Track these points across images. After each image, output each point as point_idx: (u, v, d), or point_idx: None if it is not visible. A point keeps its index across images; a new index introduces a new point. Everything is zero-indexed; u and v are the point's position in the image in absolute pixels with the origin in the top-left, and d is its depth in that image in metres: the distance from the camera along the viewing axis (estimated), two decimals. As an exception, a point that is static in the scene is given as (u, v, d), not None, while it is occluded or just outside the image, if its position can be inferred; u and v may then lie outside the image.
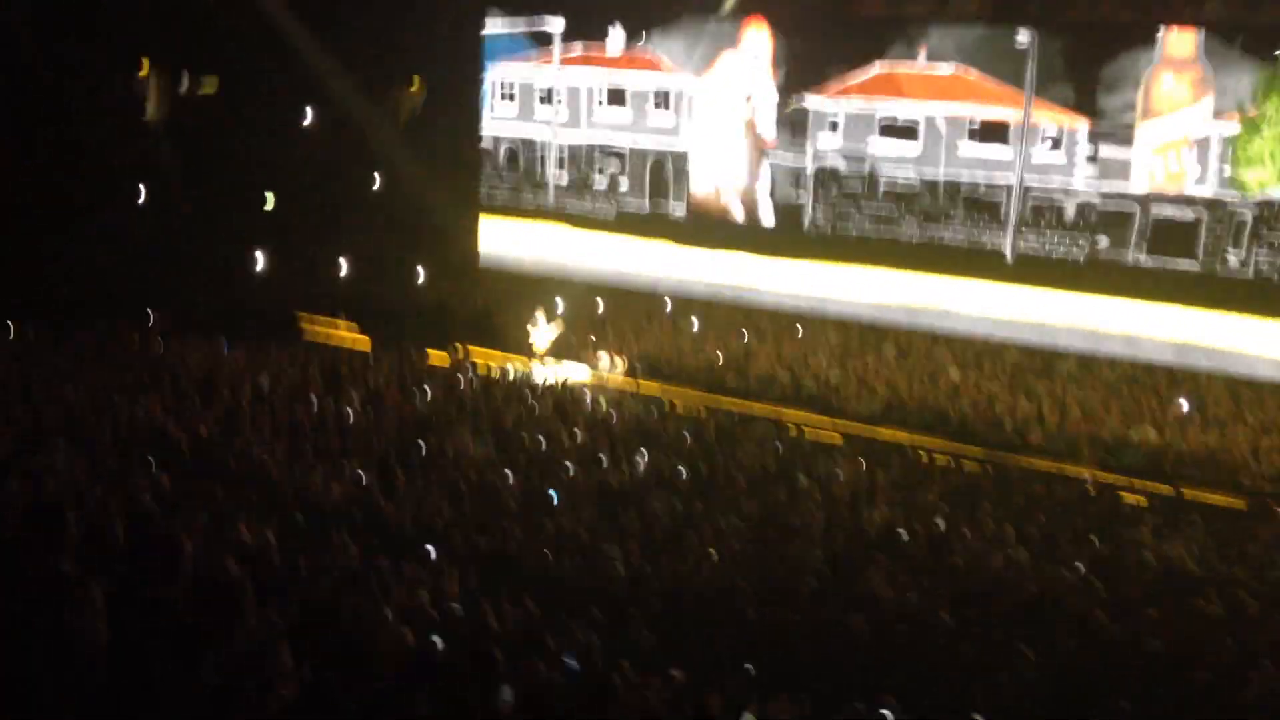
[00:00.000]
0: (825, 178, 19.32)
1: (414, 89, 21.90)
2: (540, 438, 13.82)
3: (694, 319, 21.92)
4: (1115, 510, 14.31)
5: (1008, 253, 18.13)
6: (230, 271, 19.63)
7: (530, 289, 22.36)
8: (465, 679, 6.39)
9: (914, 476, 14.92)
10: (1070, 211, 17.57)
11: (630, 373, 20.59)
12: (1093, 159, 17.27)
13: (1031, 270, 17.90)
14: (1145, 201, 16.90)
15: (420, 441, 12.70)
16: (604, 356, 21.01)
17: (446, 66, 21.96)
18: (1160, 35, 16.57)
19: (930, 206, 18.58)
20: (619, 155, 23.79)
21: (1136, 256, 17.21)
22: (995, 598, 9.60)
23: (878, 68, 18.63)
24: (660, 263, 21.11)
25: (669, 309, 22.64)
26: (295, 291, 20.73)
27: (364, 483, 10.92)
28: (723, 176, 20.16)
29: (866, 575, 9.85)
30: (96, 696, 5.80)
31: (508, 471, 11.98)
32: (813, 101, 19.19)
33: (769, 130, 19.54)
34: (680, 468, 13.22)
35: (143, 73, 18.35)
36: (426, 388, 15.79)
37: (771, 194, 19.84)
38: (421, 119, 21.89)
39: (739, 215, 20.25)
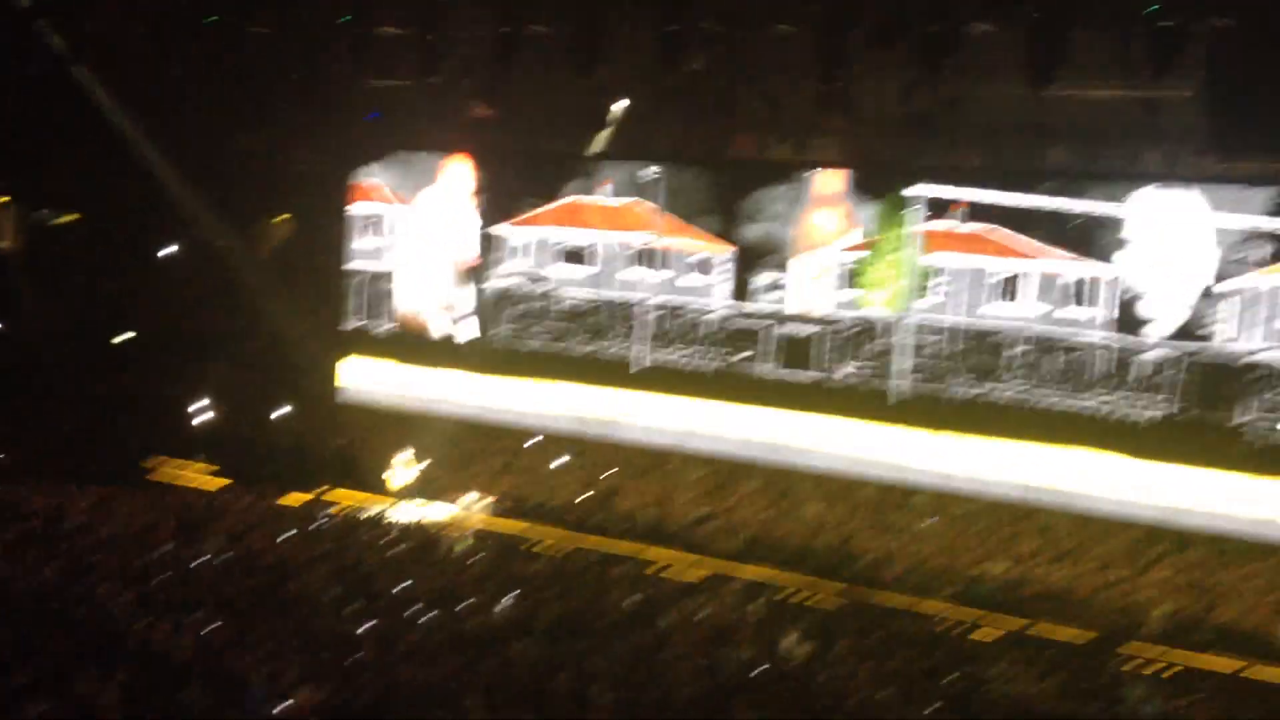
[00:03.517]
0: (513, 298, 20.78)
1: (280, 222, 21.84)
2: (400, 581, 13.60)
3: (561, 454, 21.92)
4: (967, 645, 14.56)
5: (642, 362, 19.92)
6: (80, 408, 19.10)
7: (393, 425, 22.17)
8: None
9: (775, 614, 15.00)
10: (708, 327, 19.30)
11: (493, 511, 20.43)
12: (741, 282, 19.11)
13: (659, 379, 19.82)
14: (778, 320, 18.75)
15: (276, 587, 12.42)
16: (467, 495, 20.84)
17: (313, 201, 21.98)
18: (810, 174, 18.49)
19: (597, 324, 20.22)
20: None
21: (767, 368, 18.95)
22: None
23: (565, 199, 20.40)
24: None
25: (531, 444, 22.60)
26: (148, 430, 20.23)
27: (215, 632, 10.62)
28: (426, 297, 21.54)
29: (730, 715, 9.85)
30: None
31: (365, 618, 11.76)
32: (505, 229, 20.93)
33: (467, 254, 21.03)
34: (542, 610, 13.12)
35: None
36: (283, 530, 15.48)
37: (470, 313, 21.20)
38: (286, 252, 21.80)
39: (441, 333, 21.51)
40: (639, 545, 18.89)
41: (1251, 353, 15.91)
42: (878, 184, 18.02)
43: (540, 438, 22.18)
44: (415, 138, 21.44)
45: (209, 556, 13.45)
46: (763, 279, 19.01)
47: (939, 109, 16.87)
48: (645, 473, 21.43)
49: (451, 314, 21.63)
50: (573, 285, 20.50)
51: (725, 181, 19.34)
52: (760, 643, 13.16)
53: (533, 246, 20.85)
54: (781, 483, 19.99)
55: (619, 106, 19.54)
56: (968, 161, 18.06)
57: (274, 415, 21.78)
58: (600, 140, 19.83)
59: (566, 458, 21.75)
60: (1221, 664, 15.42)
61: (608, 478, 21.32)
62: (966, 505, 18.91)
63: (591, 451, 21.68)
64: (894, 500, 19.52)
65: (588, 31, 16.97)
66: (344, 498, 20.28)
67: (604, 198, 20.21)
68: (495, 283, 21.12)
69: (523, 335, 21.01)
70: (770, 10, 15.96)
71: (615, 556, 17.75)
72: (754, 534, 19.34)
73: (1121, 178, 16.67)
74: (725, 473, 21.04)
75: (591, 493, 20.97)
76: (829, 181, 18.51)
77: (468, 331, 21.47)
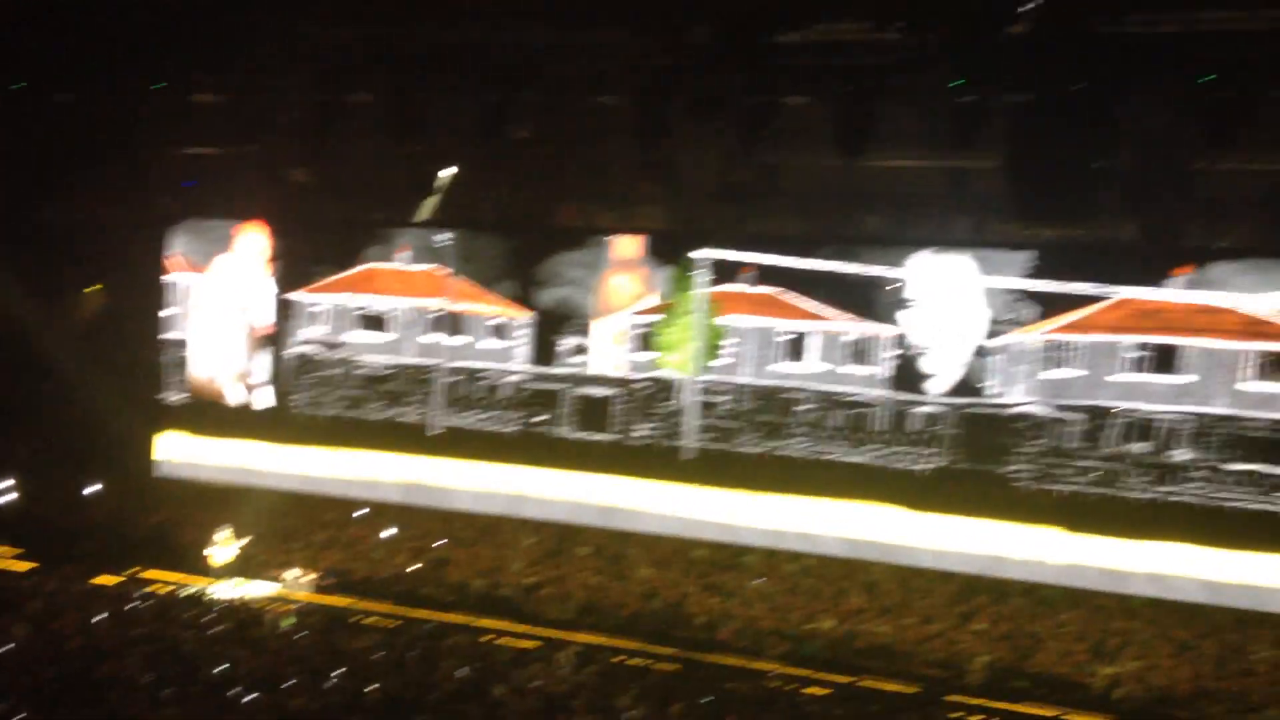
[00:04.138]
0: (312, 364, 20.81)
1: (92, 292, 21.19)
2: (220, 663, 13.18)
3: (386, 525, 21.62)
4: (796, 704, 14.78)
5: (440, 427, 20.07)
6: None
7: (212, 500, 21.55)
8: None
9: (609, 680, 14.98)
10: (507, 391, 19.65)
11: (318, 586, 19.99)
12: (541, 346, 19.47)
13: (458, 443, 19.98)
14: (575, 382, 19.15)
15: (86, 672, 11.90)
16: (290, 570, 20.35)
17: (127, 269, 21.38)
18: (609, 239, 18.98)
19: (395, 389, 20.33)
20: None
21: (564, 431, 19.30)
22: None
23: (362, 265, 20.60)
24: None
25: (357, 515, 22.24)
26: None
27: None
28: (221, 364, 21.47)
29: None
30: None
31: (183, 702, 11.35)
32: (303, 295, 20.90)
33: (263, 321, 20.95)
34: (371, 686, 12.86)
35: None
36: (95, 612, 14.85)
37: (266, 380, 21.12)
38: (99, 323, 21.14)
39: (237, 400, 21.38)
40: (470, 615, 18.74)
41: (1016, 406, 16.79)
42: (674, 248, 18.48)
43: (366, 510, 21.89)
44: (231, 205, 21.08)
45: (12, 644, 12.79)
46: (565, 342, 19.27)
47: (756, 177, 17.45)
48: (472, 541, 21.35)
49: (248, 382, 21.37)
50: (371, 351, 20.48)
51: (525, 246, 19.58)
52: (595, 709, 13.13)
53: (331, 312, 20.77)
54: (607, 546, 20.19)
55: (443, 174, 19.67)
56: (781, 228, 18.70)
57: (86, 492, 20.95)
58: (422, 208, 19.90)
59: (392, 529, 21.49)
60: (1039, 711, 15.97)
61: (434, 547, 21.13)
62: (785, 563, 19.39)
63: (417, 521, 21.47)
64: (705, 559, 19.91)
65: (407, 100, 17.01)
66: (160, 577, 19.58)
67: (401, 264, 20.29)
68: (293, 349, 20.92)
69: (322, 402, 20.82)
70: (592, 80, 16.25)
71: (447, 626, 17.57)
72: (583, 600, 19.39)
73: (927, 243, 17.40)
74: (553, 538, 21.08)
75: (419, 564, 20.73)
76: (627, 246, 18.96)
77: (264, 399, 21.23)
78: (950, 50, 13.88)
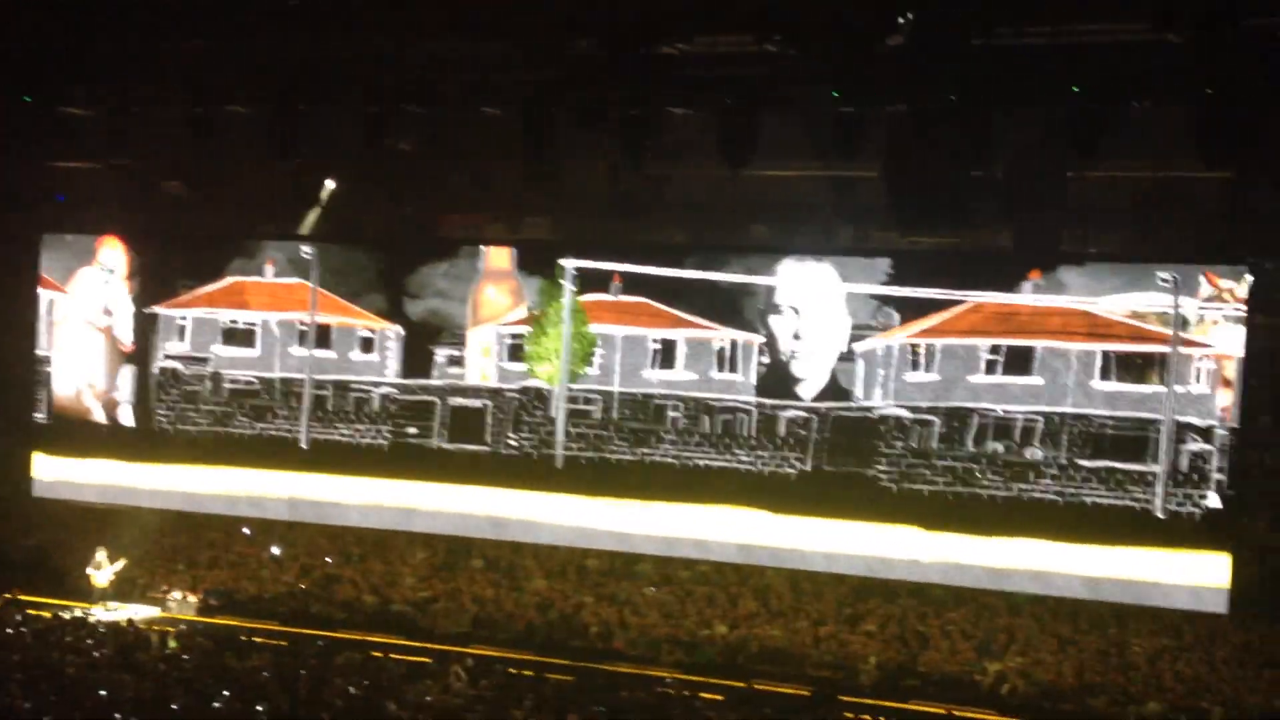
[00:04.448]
0: (177, 380, 20.62)
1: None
2: (102, 689, 12.86)
3: (274, 543, 21.35)
4: (692, 709, 14.86)
5: (303, 442, 20.00)
6: None
7: (90, 521, 21.05)
8: None
9: (504, 693, 14.93)
10: (378, 403, 19.67)
11: (204, 607, 19.63)
12: (415, 357, 19.52)
13: (329, 457, 19.91)
14: (446, 394, 19.27)
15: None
16: (174, 591, 19.96)
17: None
18: (481, 251, 19.19)
19: (263, 403, 20.21)
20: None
21: (436, 443, 19.37)
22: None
23: (228, 279, 20.51)
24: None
25: (248, 535, 21.91)
26: None
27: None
28: (84, 382, 21.20)
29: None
30: None
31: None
32: (168, 309, 20.72)
33: (126, 337, 20.83)
34: (260, 707, 12.66)
35: None
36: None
37: (132, 397, 20.95)
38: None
39: (101, 418, 21.12)
40: (361, 632, 18.54)
41: (880, 409, 17.20)
42: (546, 259, 18.60)
43: (248, 529, 21.58)
44: (99, 219, 20.75)
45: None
46: (438, 354, 19.26)
47: (643, 188, 17.55)
48: (360, 557, 21.17)
49: (113, 399, 20.92)
50: (238, 366, 20.26)
51: (397, 258, 19.52)
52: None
53: (197, 327, 20.50)
54: (501, 557, 20.15)
55: (326, 187, 19.45)
56: (668, 238, 18.86)
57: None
58: (304, 221, 19.67)
59: (278, 547, 21.22)
60: (929, 709, 16.29)
61: (323, 564, 20.90)
62: (680, 570, 19.58)
63: (304, 537, 21.22)
64: (598, 569, 20.27)
65: (283, 113, 16.76)
66: (39, 601, 19.08)
67: (269, 278, 20.14)
68: (160, 365, 20.60)
69: (191, 419, 20.51)
70: (474, 91, 16.18)
71: (338, 643, 17.36)
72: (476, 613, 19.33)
73: (807, 251, 17.73)
74: (445, 551, 20.98)
75: (306, 581, 20.49)
76: (499, 257, 19.07)
77: (130, 417, 20.82)
78: (829, 62, 14.09)
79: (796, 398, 17.58)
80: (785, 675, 17.26)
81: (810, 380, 17.53)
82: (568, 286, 18.34)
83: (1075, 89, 13.72)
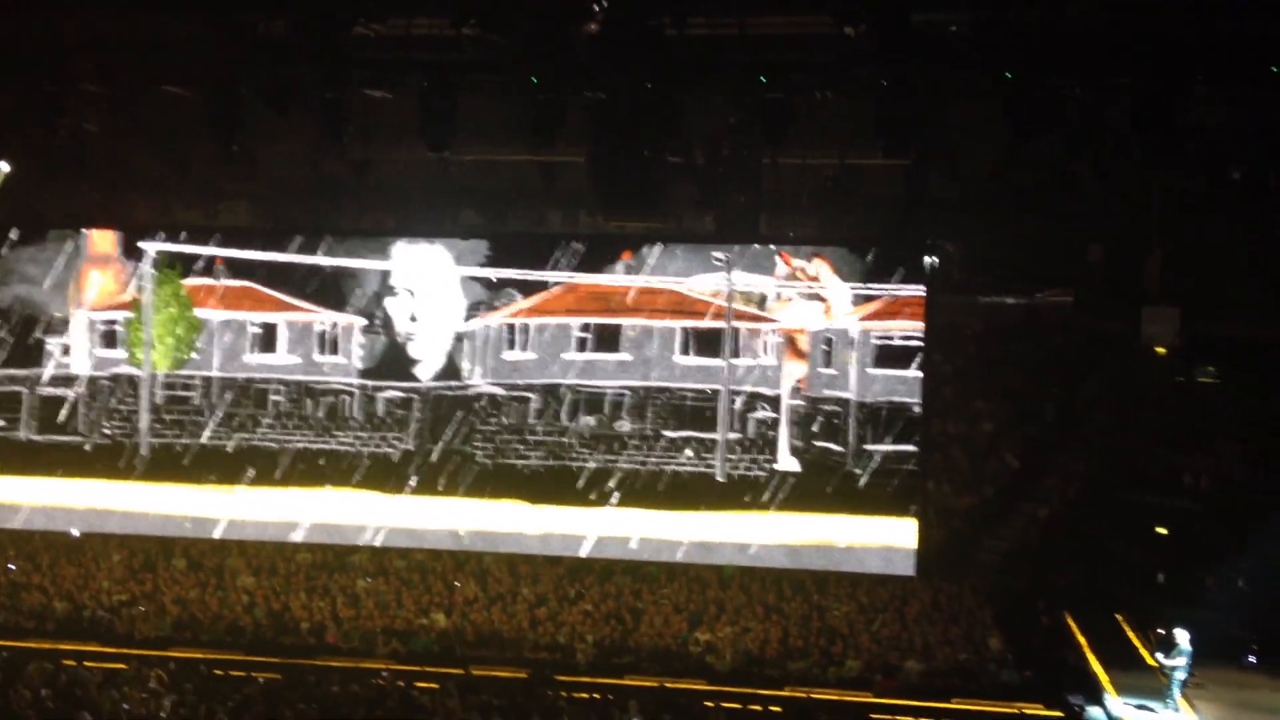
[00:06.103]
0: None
1: None
2: None
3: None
4: (408, 699, 14.72)
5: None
6: None
7: None
8: None
9: (206, 695, 14.40)
10: None
11: None
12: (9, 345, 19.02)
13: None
14: (34, 382, 18.88)
15: None
16: None
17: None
18: (82, 234, 18.70)
19: None
20: None
21: (21, 434, 19.03)
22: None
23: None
24: None
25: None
26: None
27: None
28: None
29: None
30: None
31: None
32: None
33: None
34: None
35: None
36: None
37: None
38: None
39: None
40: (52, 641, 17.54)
41: (478, 387, 17.88)
42: (148, 241, 18.28)
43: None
44: None
45: None
46: (30, 341, 18.69)
47: (345, 171, 17.20)
48: (50, 564, 19.97)
49: None
50: None
51: None
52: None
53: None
54: (206, 557, 19.45)
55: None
56: (380, 223, 18.57)
57: None
58: None
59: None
60: (642, 683, 16.60)
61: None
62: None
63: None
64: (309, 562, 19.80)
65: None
66: None
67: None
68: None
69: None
70: (158, 71, 15.44)
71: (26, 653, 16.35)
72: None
73: (418, 234, 18.03)
74: (143, 552, 20.05)
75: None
76: (103, 241, 18.55)
77: None
78: (527, 48, 14.09)
79: (414, 378, 17.93)
80: (502, 660, 17.29)
81: (427, 361, 17.92)
82: (172, 272, 18.12)
83: (762, 79, 14.19)
